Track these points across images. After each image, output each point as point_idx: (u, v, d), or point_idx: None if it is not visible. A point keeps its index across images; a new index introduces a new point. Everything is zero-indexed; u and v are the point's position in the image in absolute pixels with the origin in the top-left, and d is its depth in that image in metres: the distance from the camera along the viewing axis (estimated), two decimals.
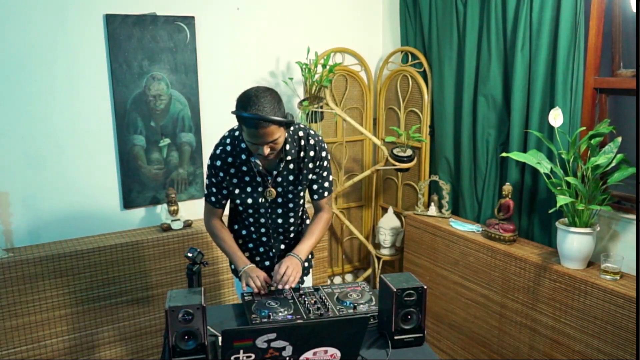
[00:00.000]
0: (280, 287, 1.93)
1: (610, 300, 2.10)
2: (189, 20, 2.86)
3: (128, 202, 2.87)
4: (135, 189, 2.87)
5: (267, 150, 1.80)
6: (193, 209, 3.05)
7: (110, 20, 2.66)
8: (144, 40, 2.76)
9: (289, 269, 1.95)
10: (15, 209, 2.62)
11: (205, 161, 3.02)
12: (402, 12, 3.36)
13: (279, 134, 1.79)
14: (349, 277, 3.80)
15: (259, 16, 3.12)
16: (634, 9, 2.23)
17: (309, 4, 3.30)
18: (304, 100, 3.10)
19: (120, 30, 2.69)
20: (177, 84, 2.88)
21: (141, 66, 2.77)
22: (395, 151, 3.07)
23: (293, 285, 1.96)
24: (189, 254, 2.03)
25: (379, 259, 3.48)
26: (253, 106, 1.72)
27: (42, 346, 2.55)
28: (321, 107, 3.11)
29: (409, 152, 3.06)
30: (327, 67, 3.10)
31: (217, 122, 3.05)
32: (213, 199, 2.06)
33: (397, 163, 3.05)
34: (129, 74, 2.75)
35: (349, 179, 3.55)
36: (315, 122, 3.14)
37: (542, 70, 2.49)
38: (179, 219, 2.87)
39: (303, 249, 2.05)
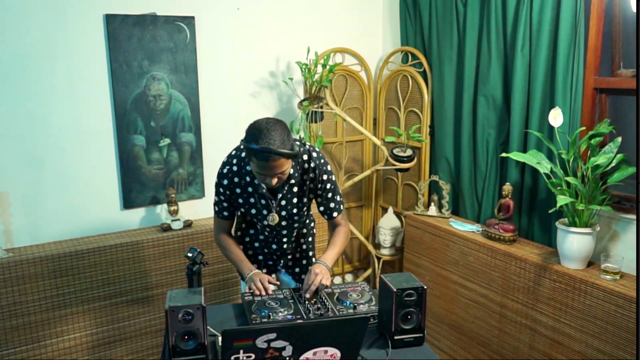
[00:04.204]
0: (308, 295, 1.93)
1: (610, 300, 2.10)
2: (189, 20, 2.86)
3: (128, 202, 2.87)
4: (135, 189, 2.87)
5: (274, 181, 1.82)
6: (193, 209, 3.06)
7: (110, 20, 2.66)
8: (144, 40, 2.76)
9: (318, 276, 1.94)
10: (15, 209, 2.61)
11: (205, 161, 3.04)
12: (402, 12, 3.36)
13: (287, 166, 1.81)
14: (349, 277, 3.80)
15: (259, 16, 3.12)
16: (634, 9, 2.23)
17: (309, 4, 3.30)
18: (304, 100, 3.10)
19: (120, 30, 2.69)
20: (177, 84, 2.88)
21: (141, 66, 2.77)
22: (395, 151, 3.07)
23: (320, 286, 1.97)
24: (189, 254, 2.03)
25: (379, 259, 3.48)
26: (264, 139, 1.72)
27: (42, 346, 2.55)
28: (321, 107, 3.11)
29: (409, 152, 3.06)
30: (327, 67, 3.10)
31: (217, 122, 3.06)
32: (223, 214, 2.08)
33: (397, 163, 3.05)
34: (129, 74, 2.75)
35: (349, 179, 3.55)
36: (315, 122, 3.14)
37: (542, 70, 2.49)
38: (179, 219, 2.87)
39: (329, 256, 2.04)
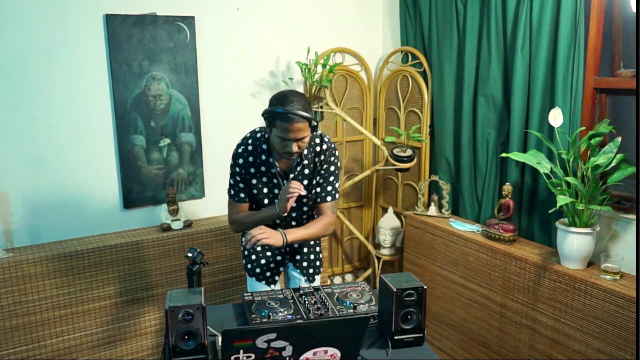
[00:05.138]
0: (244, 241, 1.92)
1: (610, 300, 2.10)
2: (189, 20, 2.86)
3: (128, 202, 2.87)
4: (135, 189, 2.87)
5: (295, 147, 1.89)
6: (193, 209, 3.06)
7: (110, 20, 2.66)
8: (144, 40, 2.76)
9: (262, 234, 1.91)
10: (15, 209, 2.61)
11: (205, 161, 3.04)
12: (402, 12, 3.36)
13: (308, 133, 1.91)
14: (349, 277, 3.80)
15: (259, 16, 3.12)
16: (634, 9, 2.23)
17: (309, 4, 3.30)
18: None
19: (120, 30, 2.69)
20: (177, 84, 2.88)
21: (141, 66, 2.77)
22: (395, 151, 3.07)
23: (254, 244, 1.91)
24: (189, 254, 2.03)
25: (379, 259, 3.48)
26: (289, 103, 1.85)
27: (42, 346, 2.55)
28: (321, 107, 3.11)
29: (409, 152, 3.06)
30: (327, 67, 3.10)
31: (217, 122, 3.06)
32: (239, 196, 2.11)
33: (397, 163, 3.05)
34: (129, 74, 2.75)
35: (349, 179, 3.55)
36: None
37: (542, 70, 2.49)
38: (179, 219, 2.87)
39: (294, 231, 2.02)
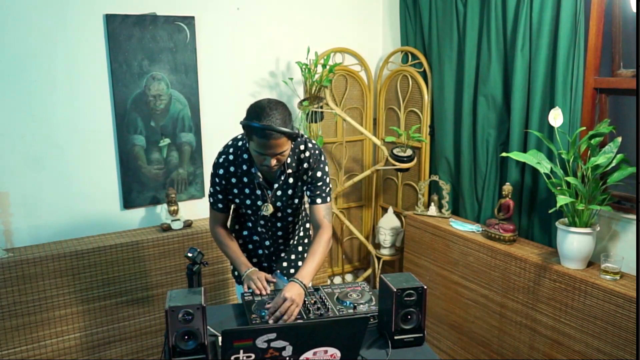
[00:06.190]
0: (271, 321, 1.74)
1: (610, 300, 2.10)
2: (189, 20, 2.86)
3: (128, 202, 2.87)
4: (135, 189, 2.87)
5: (273, 161, 1.81)
6: (193, 209, 3.06)
7: (110, 20, 2.66)
8: (144, 40, 2.76)
9: (292, 306, 1.77)
10: (15, 209, 2.61)
11: (205, 161, 3.04)
12: (402, 12, 3.36)
13: (287, 147, 1.81)
14: (349, 277, 3.80)
15: (259, 16, 3.12)
16: (634, 9, 2.23)
17: (309, 4, 3.30)
18: (304, 100, 3.10)
19: (120, 30, 2.69)
20: (177, 84, 2.88)
21: (141, 66, 2.77)
22: (395, 151, 3.07)
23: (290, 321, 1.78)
24: (189, 254, 2.03)
25: (379, 259, 3.48)
26: (266, 117, 1.72)
27: (42, 346, 2.55)
28: (321, 107, 3.11)
29: (409, 152, 3.06)
30: (327, 67, 3.10)
31: (217, 122, 3.06)
32: (218, 205, 2.07)
33: (397, 163, 3.05)
34: (129, 74, 2.75)
35: (349, 179, 3.55)
36: (315, 122, 3.14)
37: (542, 70, 2.49)
38: (179, 219, 2.87)
39: (307, 272, 1.90)
